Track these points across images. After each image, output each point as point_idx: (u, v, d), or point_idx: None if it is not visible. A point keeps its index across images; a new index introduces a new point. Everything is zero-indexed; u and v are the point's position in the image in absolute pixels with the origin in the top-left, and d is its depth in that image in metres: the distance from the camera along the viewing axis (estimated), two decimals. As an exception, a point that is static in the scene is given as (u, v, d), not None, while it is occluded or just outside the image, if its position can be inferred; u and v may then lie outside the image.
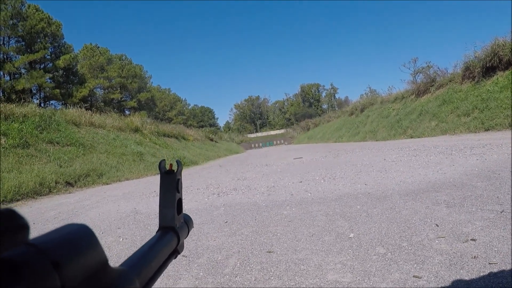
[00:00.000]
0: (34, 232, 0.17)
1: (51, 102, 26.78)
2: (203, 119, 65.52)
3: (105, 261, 0.21)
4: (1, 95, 21.12)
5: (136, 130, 14.35)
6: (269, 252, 1.81)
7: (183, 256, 1.91)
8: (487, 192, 2.40)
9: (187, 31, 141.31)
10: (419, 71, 20.05)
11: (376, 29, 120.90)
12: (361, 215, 2.29)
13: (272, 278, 1.48)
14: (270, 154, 14.98)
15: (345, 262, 1.53)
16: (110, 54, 33.57)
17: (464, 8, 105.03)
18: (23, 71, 24.03)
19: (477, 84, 11.69)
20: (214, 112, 72.73)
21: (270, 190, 3.87)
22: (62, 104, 25.24)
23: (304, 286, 1.37)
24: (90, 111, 13.18)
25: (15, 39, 23.77)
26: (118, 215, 3.39)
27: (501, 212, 1.91)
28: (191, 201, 3.73)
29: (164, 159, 0.38)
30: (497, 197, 2.24)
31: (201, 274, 1.63)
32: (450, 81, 13.95)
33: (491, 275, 1.23)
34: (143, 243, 0.32)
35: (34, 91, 25.14)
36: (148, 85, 39.35)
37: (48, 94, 25.49)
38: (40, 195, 5.69)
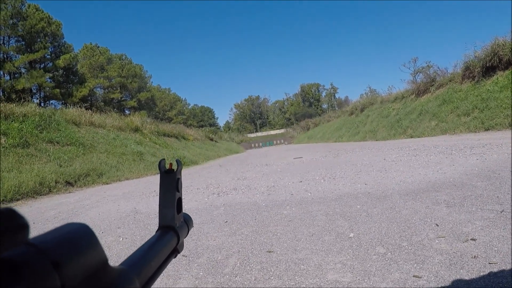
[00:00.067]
0: (34, 232, 0.17)
1: (51, 101, 26.79)
2: (203, 118, 65.52)
3: (105, 260, 0.20)
4: (1, 94, 21.11)
5: (136, 129, 14.35)
6: (269, 251, 1.81)
7: (183, 255, 1.91)
8: (487, 192, 2.40)
9: (187, 31, 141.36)
10: (419, 70, 20.05)
11: (376, 29, 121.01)
12: (361, 214, 2.29)
13: (272, 278, 1.48)
14: (270, 154, 14.98)
15: (345, 262, 1.53)
16: (110, 53, 33.56)
17: (464, 8, 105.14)
18: (23, 70, 24.03)
19: (477, 84, 11.69)
20: (214, 112, 72.82)
21: (270, 189, 3.87)
22: (62, 103, 25.24)
23: (304, 286, 1.37)
24: (90, 111, 13.17)
25: (15, 38, 23.77)
26: (118, 215, 3.39)
27: (501, 212, 1.91)
28: (191, 201, 3.73)
29: (164, 159, 0.38)
30: (497, 196, 2.24)
31: (201, 274, 1.63)
32: (450, 80, 13.95)
33: (491, 274, 1.23)
34: (143, 242, 0.32)
35: (34, 91, 25.14)
36: (148, 84, 39.35)
37: (48, 94, 25.49)
38: (40, 195, 5.69)
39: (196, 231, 2.42)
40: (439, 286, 1.21)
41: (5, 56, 23.47)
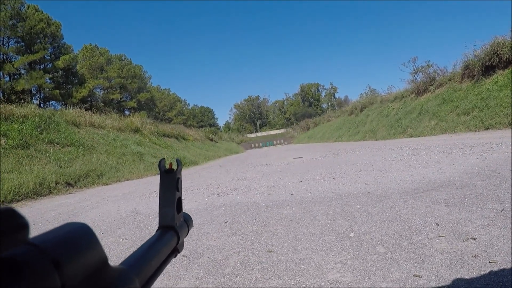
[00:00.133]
0: (34, 233, 0.17)
1: (50, 102, 26.81)
2: (203, 119, 65.55)
3: (105, 260, 0.21)
4: (1, 95, 21.11)
5: (136, 130, 14.35)
6: (270, 252, 1.81)
7: (183, 256, 1.91)
8: (487, 191, 2.40)
9: (187, 31, 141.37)
10: (419, 70, 20.05)
11: (376, 29, 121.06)
12: (361, 214, 2.29)
13: (273, 278, 1.48)
14: (270, 154, 14.98)
15: (346, 262, 1.53)
16: (110, 54, 33.59)
17: (464, 8, 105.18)
18: (22, 71, 24.04)
19: (476, 83, 11.70)
20: (214, 112, 72.86)
21: (270, 189, 3.87)
22: (61, 104, 25.26)
23: (304, 285, 1.37)
24: (90, 112, 13.18)
25: (15, 39, 23.78)
26: (118, 216, 3.39)
27: (501, 211, 1.91)
28: (191, 201, 3.73)
29: (164, 158, 0.38)
30: (497, 195, 2.24)
31: (202, 274, 1.63)
32: (450, 80, 13.96)
33: (491, 273, 1.23)
34: (143, 243, 0.32)
35: (34, 92, 25.14)
36: (147, 85, 39.38)
37: (47, 95, 25.49)
38: (40, 196, 5.69)
39: (197, 231, 2.42)
40: (440, 285, 1.21)
41: (4, 57, 23.47)
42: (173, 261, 1.82)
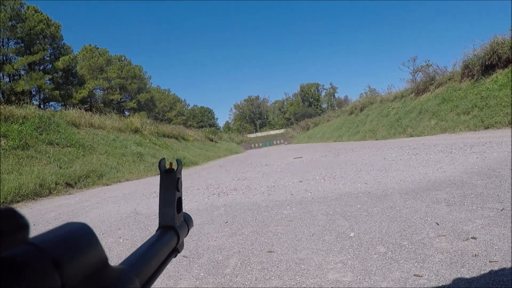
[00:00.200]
0: (34, 234, 0.18)
1: (50, 103, 26.81)
2: (202, 119, 65.55)
3: (105, 260, 0.21)
4: (0, 96, 21.11)
5: (136, 131, 14.35)
6: (270, 252, 1.81)
7: (183, 256, 1.91)
8: (487, 190, 2.40)
9: (187, 31, 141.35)
10: (419, 69, 20.00)
11: (376, 29, 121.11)
12: (362, 214, 2.29)
13: (273, 278, 1.48)
14: (270, 154, 14.98)
15: (346, 261, 1.53)
16: (110, 55, 33.61)
17: (464, 8, 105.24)
18: (22, 72, 24.03)
19: (476, 82, 11.70)
20: (214, 113, 72.87)
21: (270, 190, 3.87)
22: (61, 105, 25.27)
23: (304, 285, 1.37)
24: (89, 112, 13.17)
25: (14, 40, 23.78)
26: (118, 216, 3.39)
27: (501, 210, 1.91)
28: (191, 202, 3.73)
29: (164, 158, 0.38)
30: (497, 195, 2.24)
31: (202, 274, 1.63)
32: (450, 79, 13.96)
33: (491, 273, 1.23)
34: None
35: (34, 93, 25.14)
36: (147, 85, 39.38)
37: (47, 96, 25.50)
38: (40, 197, 5.69)
39: (197, 231, 2.42)
40: (440, 285, 1.21)
41: (4, 58, 23.47)
42: (173, 261, 1.82)
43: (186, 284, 1.54)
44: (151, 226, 2.77)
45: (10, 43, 23.86)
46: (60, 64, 25.33)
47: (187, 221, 0.41)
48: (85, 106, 19.40)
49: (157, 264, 0.30)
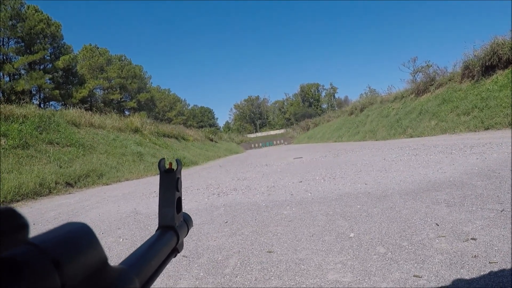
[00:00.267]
0: (34, 233, 0.18)
1: (50, 103, 26.81)
2: (202, 119, 65.56)
3: (104, 259, 0.21)
4: (0, 96, 21.12)
5: (136, 130, 14.35)
6: (269, 252, 1.81)
7: (183, 256, 1.91)
8: (487, 191, 2.40)
9: (187, 31, 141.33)
10: (419, 70, 20.04)
11: (376, 29, 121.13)
12: (361, 214, 2.29)
13: (273, 278, 1.48)
14: (270, 154, 14.98)
15: (346, 262, 1.53)
16: (110, 54, 33.62)
17: (464, 8, 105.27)
18: (22, 72, 24.04)
19: (476, 83, 11.70)
20: (214, 112, 72.89)
21: (270, 190, 3.87)
22: (61, 105, 25.28)
23: (304, 286, 1.37)
24: (90, 112, 13.18)
25: (15, 40, 23.78)
26: (118, 216, 3.39)
27: (501, 211, 1.91)
28: (191, 201, 3.73)
29: (164, 158, 0.38)
30: (497, 196, 2.24)
31: (202, 274, 1.63)
32: (450, 80, 13.96)
33: (491, 274, 1.23)
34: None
35: (34, 92, 25.15)
36: (147, 85, 39.40)
37: (47, 95, 25.50)
38: (40, 196, 5.69)
39: (196, 231, 2.42)
40: (440, 285, 1.21)
41: (4, 57, 23.48)
42: (173, 261, 1.82)
43: (186, 284, 1.54)
44: (151, 226, 2.77)
45: (10, 43, 23.88)
46: (60, 63, 25.35)
47: (187, 221, 0.41)
48: (85, 105, 19.43)
49: (157, 264, 0.30)
